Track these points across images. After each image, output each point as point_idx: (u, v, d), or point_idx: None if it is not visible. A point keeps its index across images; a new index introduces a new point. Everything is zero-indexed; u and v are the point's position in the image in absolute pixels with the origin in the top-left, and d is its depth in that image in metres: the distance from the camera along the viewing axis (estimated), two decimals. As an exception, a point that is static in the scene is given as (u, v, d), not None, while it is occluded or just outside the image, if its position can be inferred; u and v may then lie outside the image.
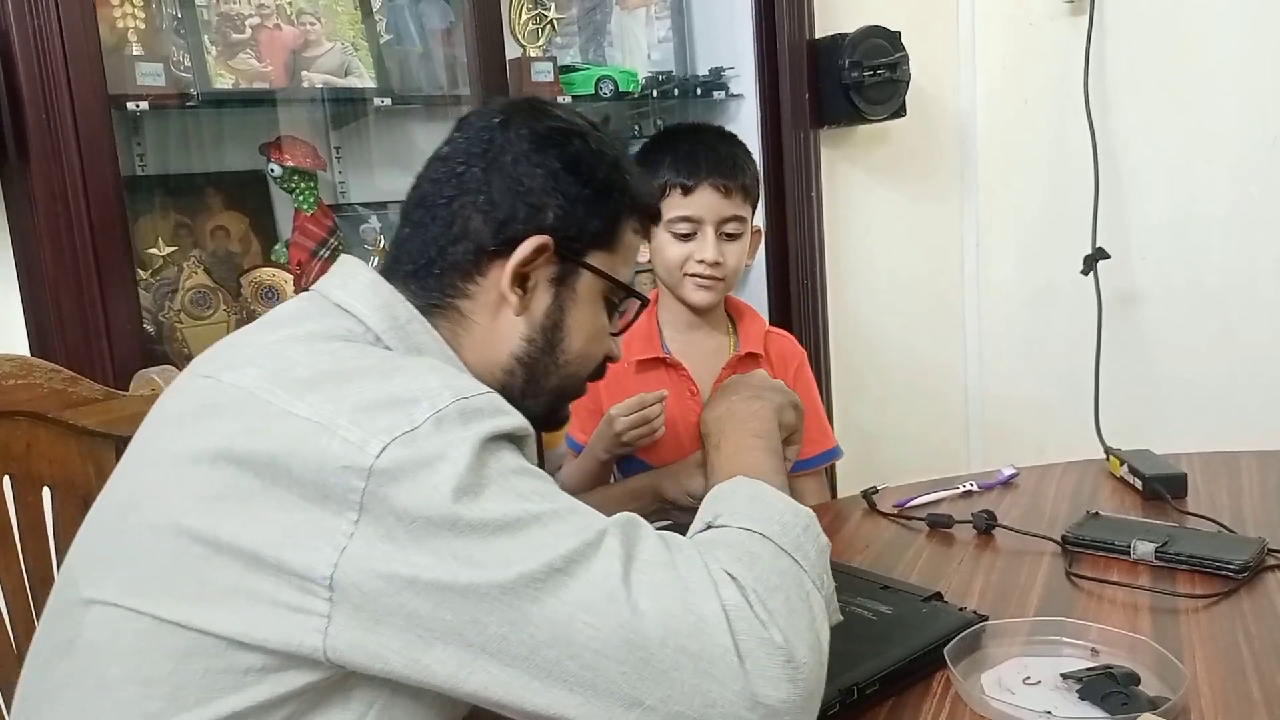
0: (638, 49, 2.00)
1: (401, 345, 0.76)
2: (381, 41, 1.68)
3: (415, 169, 1.89)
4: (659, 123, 2.06)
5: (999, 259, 2.20)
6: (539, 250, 0.80)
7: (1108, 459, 1.38)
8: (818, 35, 1.88)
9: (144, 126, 1.58)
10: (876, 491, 1.31)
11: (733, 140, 1.39)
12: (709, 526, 0.71)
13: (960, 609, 0.92)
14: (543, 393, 0.84)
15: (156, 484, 0.67)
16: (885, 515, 1.26)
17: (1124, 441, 1.43)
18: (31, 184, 1.26)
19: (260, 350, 0.72)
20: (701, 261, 1.33)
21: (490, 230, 0.80)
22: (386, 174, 1.79)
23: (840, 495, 1.83)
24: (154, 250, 1.50)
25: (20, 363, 0.98)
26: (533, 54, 1.74)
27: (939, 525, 1.19)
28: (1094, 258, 1.91)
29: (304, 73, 1.59)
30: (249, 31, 1.55)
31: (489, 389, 0.70)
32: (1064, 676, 0.80)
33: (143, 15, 1.46)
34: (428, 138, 1.81)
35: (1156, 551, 1.03)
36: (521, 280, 0.81)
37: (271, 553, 0.61)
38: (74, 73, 1.26)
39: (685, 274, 1.35)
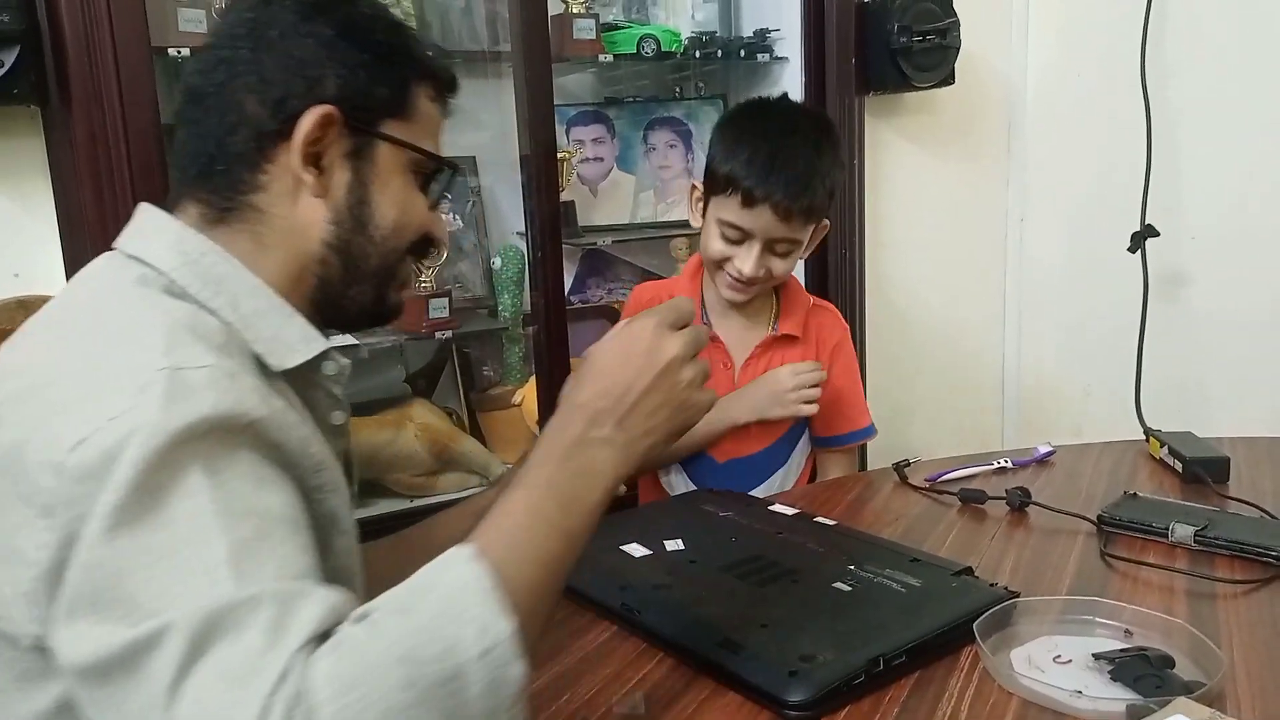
0: (681, 8, 1.96)
1: (198, 280, 0.73)
2: (424, -7, 1.67)
3: (449, 124, 1.88)
4: (700, 85, 2.04)
5: (1043, 234, 2.15)
6: (324, 122, 0.75)
7: (1147, 440, 1.35)
8: (867, -1, 1.84)
9: (183, 74, 1.58)
10: (909, 464, 1.29)
11: (820, 143, 1.29)
12: (367, 616, 0.57)
13: (991, 584, 0.91)
14: (366, 277, 0.81)
15: None
16: (917, 489, 1.24)
17: (1164, 425, 1.40)
18: (73, 127, 1.27)
19: (39, 317, 0.72)
20: (739, 271, 1.29)
21: (268, 110, 0.75)
22: (423, 130, 1.77)
23: (871, 468, 1.81)
24: (192, 198, 1.50)
25: (59, 304, 0.98)
26: (575, 10, 1.72)
27: (971, 500, 1.18)
28: (1142, 235, 1.87)
29: (345, 23, 1.57)
30: (291, -21, 1.53)
31: (214, 363, 0.63)
32: (1096, 657, 0.78)
33: (185, -39, 1.45)
34: (466, 94, 1.78)
35: (1196, 535, 1.01)
36: (315, 159, 0.76)
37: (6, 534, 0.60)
38: (116, 17, 1.26)
39: (722, 270, 1.32)
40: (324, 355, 0.78)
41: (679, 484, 1.41)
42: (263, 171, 0.76)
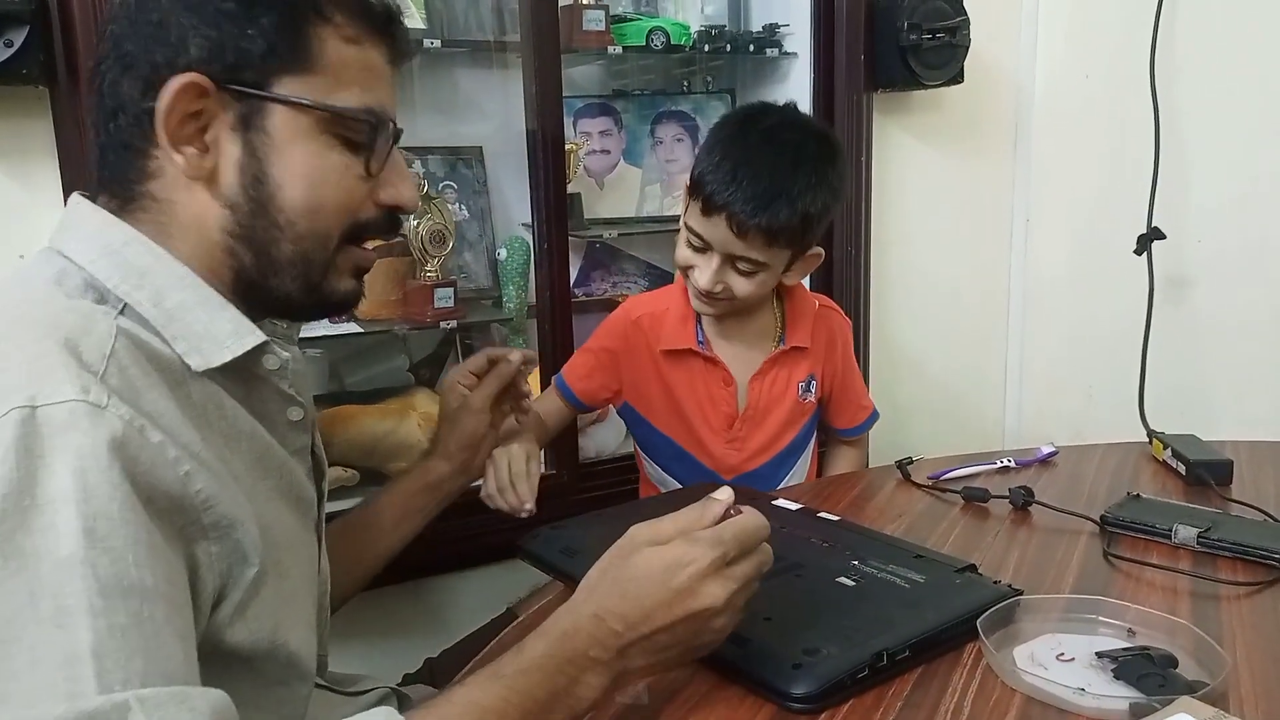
0: (690, 2, 1.96)
1: (118, 273, 0.67)
2: (433, -18, 1.67)
3: (456, 114, 1.86)
4: (708, 80, 2.03)
5: (1048, 234, 2.15)
6: (191, 92, 0.66)
7: (1150, 442, 1.36)
8: (877, -4, 1.83)
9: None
10: (911, 462, 1.29)
11: (801, 161, 1.18)
12: None
13: (995, 582, 0.91)
14: (282, 267, 0.72)
15: None
16: (919, 486, 1.25)
17: (1167, 428, 1.40)
18: (80, 109, 1.26)
19: None
20: (695, 282, 1.24)
21: (138, 88, 0.68)
22: (428, 119, 1.77)
23: (873, 465, 1.81)
24: (198, 182, 1.50)
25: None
26: (585, 2, 1.71)
27: (974, 499, 1.18)
28: (1148, 238, 1.86)
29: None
30: (301, -35, 1.53)
31: (76, 396, 0.56)
32: (1099, 655, 0.78)
33: (196, -56, 1.45)
34: (472, 83, 1.80)
35: (1199, 537, 1.01)
36: (196, 136, 0.68)
37: None
38: (126, -2, 1.25)
39: (689, 278, 1.27)
40: (262, 349, 0.72)
41: None
42: (150, 158, 0.69)
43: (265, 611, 0.69)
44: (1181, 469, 1.25)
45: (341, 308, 0.79)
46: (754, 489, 1.26)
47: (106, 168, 0.71)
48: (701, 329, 1.35)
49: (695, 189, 1.22)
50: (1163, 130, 1.87)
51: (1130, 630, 0.83)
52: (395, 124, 0.75)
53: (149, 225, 0.71)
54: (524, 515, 1.13)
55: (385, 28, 0.74)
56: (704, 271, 1.23)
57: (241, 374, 0.72)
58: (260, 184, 0.70)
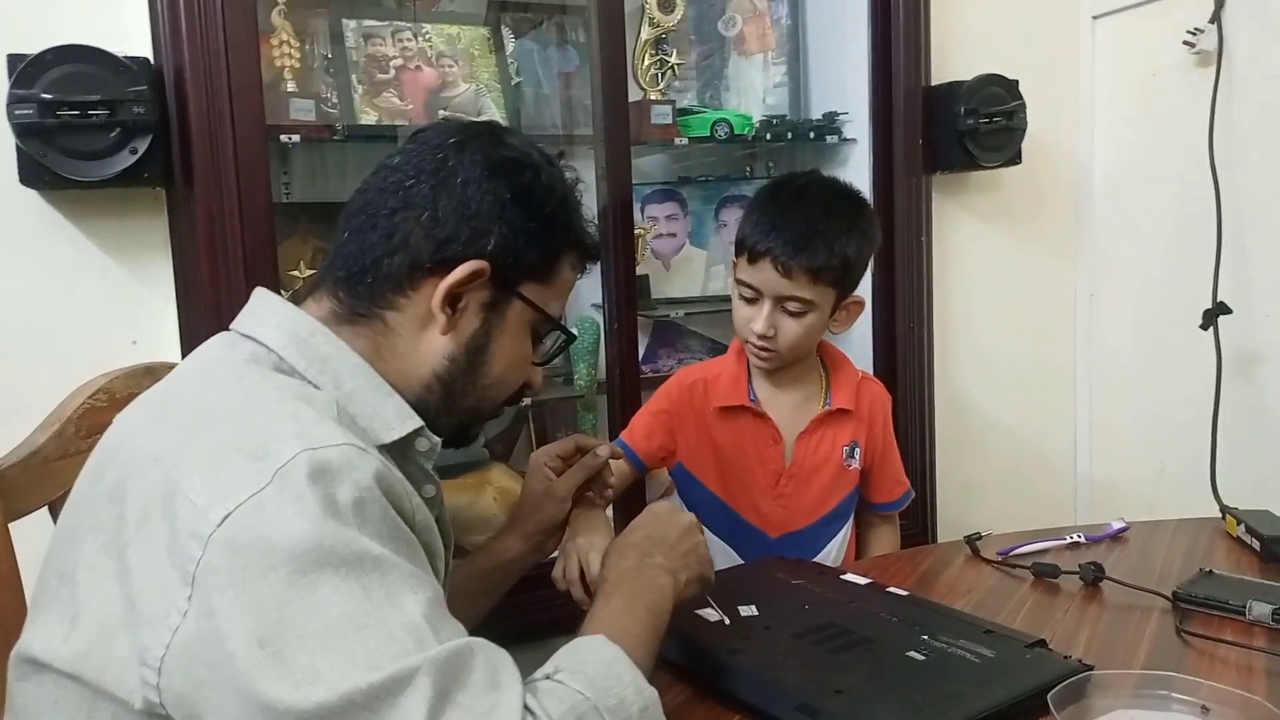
0: (753, 93, 2.05)
1: (303, 358, 0.79)
2: (513, 83, 1.78)
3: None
4: (770, 165, 2.11)
5: (1113, 310, 2.15)
6: (474, 275, 0.81)
7: (1224, 518, 1.35)
8: (934, 83, 1.90)
9: (291, 157, 1.70)
10: (980, 537, 1.30)
11: (832, 210, 1.32)
12: (548, 677, 0.69)
13: (1065, 657, 0.92)
14: (457, 411, 0.87)
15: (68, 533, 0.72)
16: (989, 562, 1.26)
17: (1242, 503, 1.39)
18: (194, 206, 1.37)
19: (158, 389, 0.79)
20: (752, 329, 1.33)
21: (430, 247, 0.81)
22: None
23: (940, 541, 1.82)
24: (295, 273, 1.60)
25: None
26: (653, 97, 1.81)
27: (1044, 575, 1.18)
28: (1214, 312, 1.86)
29: (441, 111, 1.69)
30: (393, 72, 1.66)
31: (344, 441, 0.68)
32: (1172, 731, 0.79)
33: (298, 54, 1.58)
34: (548, 173, 1.89)
35: (1274, 613, 1.01)
36: (453, 301, 0.82)
37: (139, 599, 0.64)
38: (237, 106, 1.36)
39: (746, 337, 1.37)
40: (417, 432, 0.83)
41: (727, 562, 1.42)
42: (404, 295, 0.83)
43: None
44: (1256, 545, 1.24)
45: (467, 444, 0.95)
46: (821, 564, 1.29)
47: (355, 282, 0.83)
48: (753, 389, 1.43)
49: (740, 247, 1.35)
50: (1224, 205, 1.89)
51: (1204, 707, 0.84)
52: (571, 338, 0.95)
53: (366, 338, 0.83)
54: None
55: (593, 264, 0.94)
56: (758, 318, 1.33)
57: (398, 453, 0.83)
58: (479, 353, 0.85)
